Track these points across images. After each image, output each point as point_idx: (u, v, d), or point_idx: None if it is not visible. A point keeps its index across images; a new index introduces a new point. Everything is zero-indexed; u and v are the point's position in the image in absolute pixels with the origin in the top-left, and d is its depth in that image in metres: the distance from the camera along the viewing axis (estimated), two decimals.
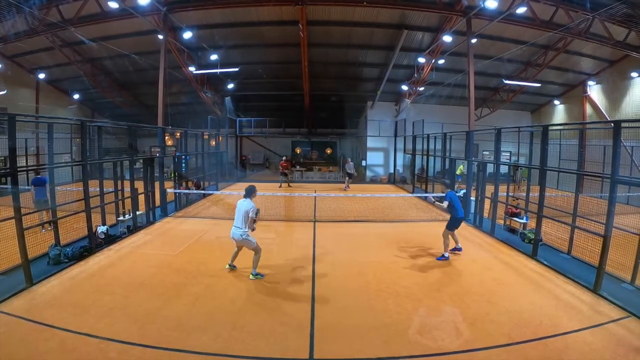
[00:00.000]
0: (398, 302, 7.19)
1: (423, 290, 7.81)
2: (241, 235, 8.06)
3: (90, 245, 9.87)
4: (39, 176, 11.59)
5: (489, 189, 13.18)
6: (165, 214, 14.85)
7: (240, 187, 23.89)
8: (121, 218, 12.04)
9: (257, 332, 6.01)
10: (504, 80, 26.20)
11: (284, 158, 26.02)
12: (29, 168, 13.06)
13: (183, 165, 18.47)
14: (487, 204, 13.31)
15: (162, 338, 5.73)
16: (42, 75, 26.70)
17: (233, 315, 6.54)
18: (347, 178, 24.41)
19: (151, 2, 18.04)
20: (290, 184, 25.25)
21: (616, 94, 23.09)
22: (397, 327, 6.22)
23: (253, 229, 8.17)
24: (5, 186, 12.44)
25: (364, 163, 31.29)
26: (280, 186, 24.09)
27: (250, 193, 8.33)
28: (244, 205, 8.15)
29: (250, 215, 7.97)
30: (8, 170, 7.88)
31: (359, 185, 26.08)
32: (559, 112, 29.05)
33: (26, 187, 12.46)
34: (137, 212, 12.66)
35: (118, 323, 6.14)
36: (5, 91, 23.66)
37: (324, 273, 8.74)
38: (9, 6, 16.94)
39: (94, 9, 19.37)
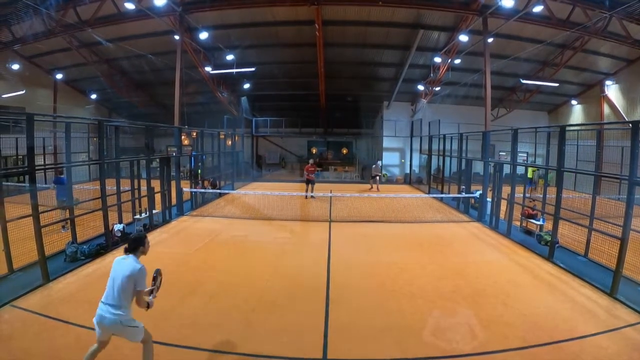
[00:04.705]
0: (412, 303, 7.15)
1: (437, 291, 7.74)
2: (120, 322, 4.40)
3: (107, 243, 10.00)
4: (60, 176, 11.74)
5: (506, 190, 13.06)
6: (181, 212, 14.94)
7: (256, 187, 24.18)
8: (137, 216, 12.17)
9: (271, 330, 6.03)
10: (520, 80, 25.89)
11: (310, 161, 20.53)
12: (47, 167, 13.28)
13: (199, 164, 18.62)
14: (503, 205, 13.19)
15: (176, 335, 5.79)
16: (59, 76, 27.14)
17: (247, 314, 6.56)
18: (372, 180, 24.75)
19: (167, 3, 18.18)
20: (314, 195, 19.19)
21: (634, 93, 22.63)
22: (411, 328, 6.19)
23: (148, 307, 4.50)
24: (23, 184, 12.67)
25: (379, 163, 31.19)
26: (307, 197, 19.17)
27: (136, 246, 4.62)
28: (124, 267, 4.43)
29: (136, 287, 4.42)
30: (26, 169, 8.00)
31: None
32: (577, 112, 28.58)
33: (44, 186, 12.64)
34: (154, 211, 12.78)
35: None
36: (23, 91, 24.05)
37: (338, 273, 8.72)
38: (26, 8, 17.21)
39: (110, 10, 19.68)
